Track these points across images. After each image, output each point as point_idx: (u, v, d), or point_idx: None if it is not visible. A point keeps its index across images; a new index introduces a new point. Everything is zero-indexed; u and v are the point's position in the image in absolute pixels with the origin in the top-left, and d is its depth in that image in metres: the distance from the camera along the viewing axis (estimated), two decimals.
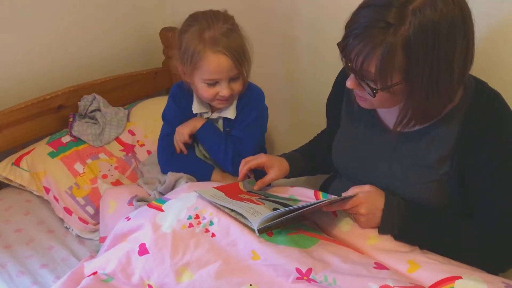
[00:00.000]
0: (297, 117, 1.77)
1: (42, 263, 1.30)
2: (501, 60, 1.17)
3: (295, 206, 1.02)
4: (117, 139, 1.62)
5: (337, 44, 0.97)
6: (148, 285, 1.03)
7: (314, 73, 1.63)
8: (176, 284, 1.01)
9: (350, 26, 0.93)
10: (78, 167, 1.50)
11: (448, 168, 1.03)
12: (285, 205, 1.08)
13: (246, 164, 1.26)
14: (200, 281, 1.00)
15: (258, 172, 1.30)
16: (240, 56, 1.26)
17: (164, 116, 1.46)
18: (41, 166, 1.50)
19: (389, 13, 0.87)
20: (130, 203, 1.34)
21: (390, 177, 1.10)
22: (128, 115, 1.69)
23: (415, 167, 1.07)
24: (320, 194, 1.14)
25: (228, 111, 1.38)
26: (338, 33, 0.97)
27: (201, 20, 1.25)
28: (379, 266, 0.99)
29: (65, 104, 1.64)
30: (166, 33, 1.79)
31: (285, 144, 1.76)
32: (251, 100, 1.38)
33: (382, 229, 1.07)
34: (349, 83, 1.00)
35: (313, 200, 1.13)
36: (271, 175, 1.26)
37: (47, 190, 1.47)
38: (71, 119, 1.62)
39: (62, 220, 1.45)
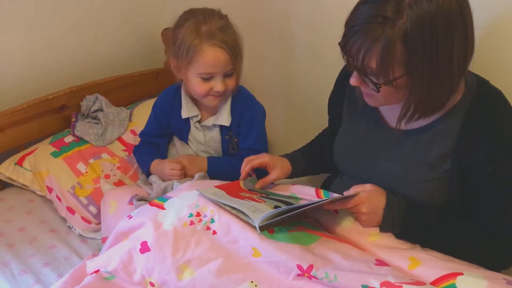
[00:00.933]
0: (296, 117, 1.77)
1: (44, 262, 1.30)
2: (502, 57, 1.17)
3: (296, 205, 1.02)
4: (119, 139, 1.63)
5: (338, 43, 0.98)
6: (150, 282, 1.04)
7: (313, 73, 1.62)
8: (177, 281, 1.01)
9: (349, 23, 0.94)
10: (81, 167, 1.51)
11: (449, 166, 1.03)
12: (286, 203, 1.08)
13: (249, 163, 1.26)
14: (201, 278, 1.01)
15: (260, 172, 1.30)
16: (236, 51, 1.27)
17: (146, 127, 1.52)
18: (44, 166, 1.50)
19: (386, 8, 0.89)
20: (130, 202, 1.34)
21: (391, 176, 1.10)
22: (130, 115, 1.70)
23: (416, 165, 1.07)
24: (322, 192, 1.14)
25: (223, 118, 1.38)
26: (337, 32, 0.97)
27: (197, 15, 1.27)
28: (380, 262, 0.99)
29: (67, 104, 1.65)
30: (168, 33, 1.79)
31: (284, 144, 1.76)
32: (244, 103, 1.39)
33: (383, 228, 1.07)
34: (353, 80, 1.01)
35: (315, 199, 1.13)
36: (273, 175, 1.26)
37: (50, 190, 1.48)
38: (73, 119, 1.63)
39: (64, 220, 1.46)
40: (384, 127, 1.13)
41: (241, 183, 1.25)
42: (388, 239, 1.06)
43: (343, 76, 1.23)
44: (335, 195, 1.08)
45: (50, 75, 1.70)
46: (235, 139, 1.44)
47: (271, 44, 1.69)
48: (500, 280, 0.94)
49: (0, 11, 1.53)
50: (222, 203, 1.09)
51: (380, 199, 1.06)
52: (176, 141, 1.50)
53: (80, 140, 1.58)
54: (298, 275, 0.97)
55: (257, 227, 0.99)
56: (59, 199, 1.46)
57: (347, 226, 1.10)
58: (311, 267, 0.97)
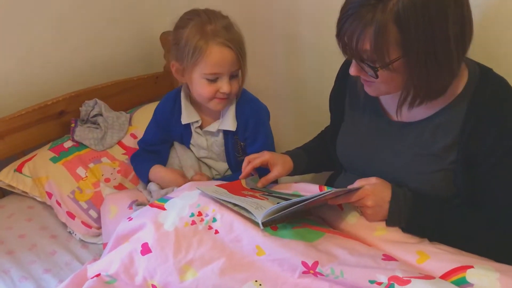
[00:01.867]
0: (300, 115, 1.75)
1: (45, 268, 1.28)
2: (509, 45, 1.15)
3: (299, 199, 1.00)
4: (119, 143, 1.61)
5: (335, 31, 0.96)
6: (152, 285, 1.02)
7: (318, 71, 1.61)
8: (180, 282, 0.99)
9: (342, 10, 0.94)
10: (81, 171, 1.49)
11: (454, 157, 1.02)
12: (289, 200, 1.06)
13: (250, 162, 1.24)
14: (204, 278, 0.98)
15: (261, 170, 1.28)
16: (241, 50, 1.25)
17: (145, 135, 1.51)
18: (43, 171, 1.49)
19: None
20: (130, 207, 1.32)
21: (395, 168, 1.09)
22: (130, 119, 1.69)
23: (421, 157, 1.05)
24: (325, 188, 1.12)
25: (228, 123, 1.35)
26: None
27: (201, 15, 1.25)
28: (387, 257, 0.97)
29: (66, 109, 1.64)
30: (167, 37, 1.78)
31: (289, 142, 1.74)
32: (249, 107, 1.36)
33: (390, 222, 1.05)
34: (352, 70, 1.00)
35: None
36: (274, 172, 1.24)
37: (50, 195, 1.46)
38: (73, 125, 1.62)
39: (65, 225, 1.44)
40: (387, 120, 1.12)
41: (243, 182, 1.23)
42: (395, 233, 1.04)
43: (344, 71, 1.22)
44: (339, 189, 1.05)
45: (49, 81, 1.69)
46: (241, 143, 1.41)
47: (276, 44, 1.68)
48: None
49: None
50: (223, 200, 1.07)
51: (386, 192, 1.04)
52: (177, 145, 1.48)
53: (80, 145, 1.57)
54: (303, 272, 0.95)
55: (260, 223, 0.97)
56: (59, 204, 1.44)
57: (353, 221, 1.08)
58: (316, 263, 0.94)
